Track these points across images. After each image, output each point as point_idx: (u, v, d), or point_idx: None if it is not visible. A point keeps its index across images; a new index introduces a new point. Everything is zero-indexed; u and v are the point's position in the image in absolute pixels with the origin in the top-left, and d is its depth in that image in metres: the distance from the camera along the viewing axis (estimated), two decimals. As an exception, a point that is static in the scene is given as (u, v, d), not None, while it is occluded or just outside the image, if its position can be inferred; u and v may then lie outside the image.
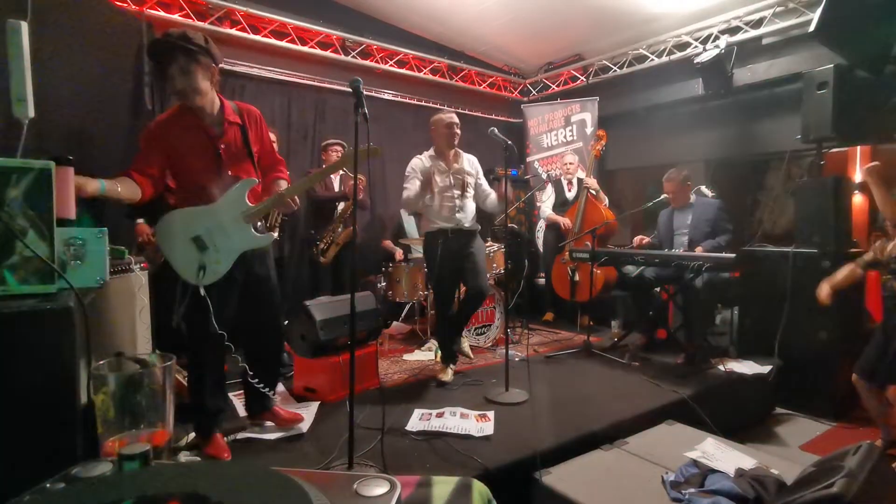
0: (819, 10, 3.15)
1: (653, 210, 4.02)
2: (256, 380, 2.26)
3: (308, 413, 2.58)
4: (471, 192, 3.15)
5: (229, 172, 2.11)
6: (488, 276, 3.61)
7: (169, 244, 2.00)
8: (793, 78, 3.99)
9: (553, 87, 5.90)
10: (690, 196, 3.87)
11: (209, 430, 2.15)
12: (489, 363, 3.58)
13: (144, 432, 0.83)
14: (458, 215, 3.07)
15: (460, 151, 3.18)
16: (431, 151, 3.15)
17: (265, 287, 2.28)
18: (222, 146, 2.09)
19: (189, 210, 2.03)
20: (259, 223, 2.20)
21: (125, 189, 1.93)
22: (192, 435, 2.19)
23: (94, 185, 1.76)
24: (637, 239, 4.05)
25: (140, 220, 2.94)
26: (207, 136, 2.08)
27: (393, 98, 5.20)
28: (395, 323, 4.63)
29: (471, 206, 3.16)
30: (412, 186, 3.05)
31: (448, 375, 3.10)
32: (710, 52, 4.23)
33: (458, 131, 3.07)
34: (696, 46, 4.49)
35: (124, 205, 2.19)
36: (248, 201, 2.08)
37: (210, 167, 2.07)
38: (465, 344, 3.29)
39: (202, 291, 1.99)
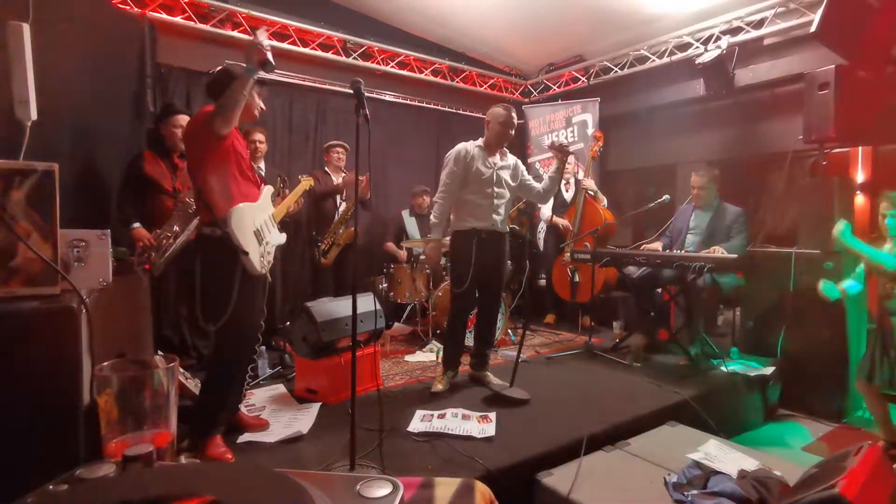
0: (820, 11, 3.15)
1: (654, 210, 4.01)
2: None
3: (309, 415, 2.59)
4: (507, 195, 3.01)
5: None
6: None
7: (244, 235, 2.09)
8: (794, 78, 3.98)
9: (554, 88, 5.89)
10: (714, 198, 3.72)
11: (212, 432, 2.11)
12: (492, 363, 3.56)
13: (148, 433, 0.83)
14: (494, 216, 2.93)
15: (507, 152, 3.05)
16: (480, 141, 2.99)
17: None
18: (248, 152, 2.36)
19: (249, 205, 2.17)
20: None
21: None
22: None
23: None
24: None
25: (136, 225, 2.89)
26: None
27: (394, 99, 5.20)
28: (396, 324, 4.63)
29: (505, 208, 3.03)
30: (443, 203, 2.90)
31: (442, 385, 2.98)
32: (711, 53, 4.22)
33: (512, 132, 2.95)
34: (697, 47, 4.48)
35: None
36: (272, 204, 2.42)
37: (249, 165, 2.27)
38: (492, 378, 3.05)
39: (269, 279, 2.25)
